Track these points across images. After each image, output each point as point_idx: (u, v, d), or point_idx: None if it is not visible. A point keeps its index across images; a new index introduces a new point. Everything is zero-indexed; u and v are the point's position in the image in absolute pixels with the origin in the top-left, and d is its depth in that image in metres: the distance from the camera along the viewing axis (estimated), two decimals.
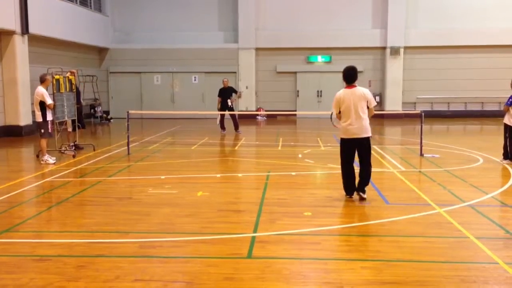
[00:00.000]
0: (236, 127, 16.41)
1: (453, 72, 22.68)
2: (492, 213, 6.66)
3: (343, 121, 7.14)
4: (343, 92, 7.16)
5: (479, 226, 5.96)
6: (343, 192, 7.36)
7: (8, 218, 6.42)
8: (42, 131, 10.61)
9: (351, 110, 7.02)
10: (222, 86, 16.38)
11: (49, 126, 10.67)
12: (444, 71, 22.75)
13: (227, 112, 16.04)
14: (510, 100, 10.03)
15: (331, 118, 8.02)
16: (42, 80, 10.80)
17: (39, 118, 10.63)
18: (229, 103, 16.11)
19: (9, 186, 8.34)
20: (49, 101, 10.56)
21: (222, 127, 16.46)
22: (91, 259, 4.87)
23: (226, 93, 16.20)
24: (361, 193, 7.18)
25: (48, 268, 4.63)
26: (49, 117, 10.72)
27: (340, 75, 7.45)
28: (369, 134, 7.13)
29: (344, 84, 7.23)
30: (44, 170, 9.87)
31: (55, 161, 10.56)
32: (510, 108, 10.04)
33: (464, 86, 22.69)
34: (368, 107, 7.10)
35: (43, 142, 10.58)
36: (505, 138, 10.31)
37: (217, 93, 16.51)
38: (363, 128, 7.05)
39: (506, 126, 10.24)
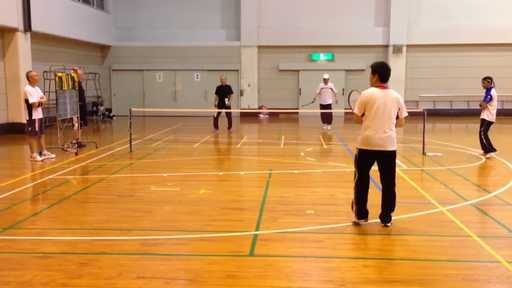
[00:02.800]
0: (229, 126, 16.35)
1: (456, 71, 22.61)
2: (494, 212, 6.66)
3: (366, 128, 5.72)
4: (373, 92, 5.69)
5: (481, 225, 5.96)
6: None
7: (11, 215, 6.44)
8: (29, 129, 10.54)
9: (381, 116, 5.62)
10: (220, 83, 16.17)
11: (36, 125, 10.49)
12: (446, 70, 22.68)
13: (223, 110, 15.87)
14: (489, 97, 10.59)
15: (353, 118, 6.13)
16: (27, 78, 10.68)
17: (26, 116, 10.54)
18: (226, 102, 15.90)
19: (12, 183, 8.36)
20: (31, 100, 10.27)
21: (216, 126, 16.22)
22: (93, 256, 4.88)
23: (223, 91, 16.01)
24: (387, 224, 5.84)
25: (51, 265, 4.64)
26: (35, 115, 10.48)
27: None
28: (395, 147, 5.81)
29: (377, 82, 5.79)
30: (47, 167, 9.89)
31: (44, 158, 10.58)
32: (488, 104, 10.63)
33: (467, 84, 22.56)
34: (397, 117, 5.75)
35: (31, 141, 10.58)
36: (480, 132, 10.78)
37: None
38: (391, 139, 5.70)
39: (483, 121, 10.73)
